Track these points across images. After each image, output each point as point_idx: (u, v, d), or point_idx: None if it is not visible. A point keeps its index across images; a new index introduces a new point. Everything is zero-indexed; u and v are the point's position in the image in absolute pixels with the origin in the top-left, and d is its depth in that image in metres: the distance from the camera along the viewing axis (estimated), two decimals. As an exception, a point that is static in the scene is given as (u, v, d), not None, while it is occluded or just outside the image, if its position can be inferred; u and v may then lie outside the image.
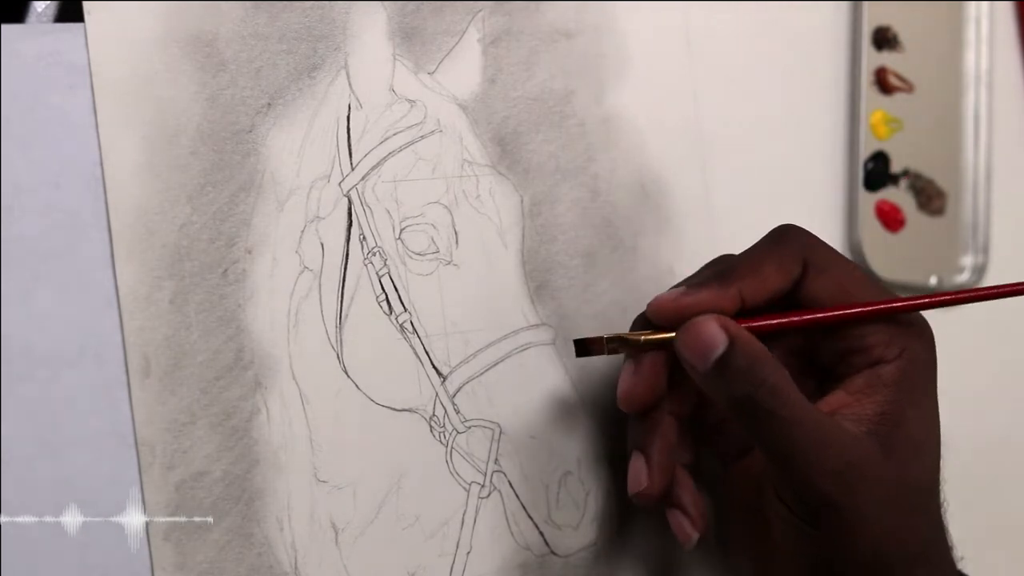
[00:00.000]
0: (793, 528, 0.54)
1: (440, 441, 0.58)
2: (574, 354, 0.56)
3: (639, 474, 0.56)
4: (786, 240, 0.56)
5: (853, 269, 0.56)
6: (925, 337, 0.56)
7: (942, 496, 0.56)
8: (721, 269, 0.55)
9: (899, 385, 0.54)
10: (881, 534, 0.52)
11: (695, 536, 0.57)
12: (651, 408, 0.56)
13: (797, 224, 0.56)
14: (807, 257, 0.55)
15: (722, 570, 0.62)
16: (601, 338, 0.55)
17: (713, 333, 0.53)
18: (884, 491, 0.52)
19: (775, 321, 0.55)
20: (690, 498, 0.58)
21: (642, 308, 0.56)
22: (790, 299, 0.55)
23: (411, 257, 0.58)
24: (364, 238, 0.57)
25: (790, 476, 0.53)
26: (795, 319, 0.55)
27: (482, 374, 0.59)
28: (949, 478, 0.58)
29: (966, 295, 0.60)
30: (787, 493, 0.53)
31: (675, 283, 0.56)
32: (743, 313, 0.54)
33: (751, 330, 0.54)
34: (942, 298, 0.57)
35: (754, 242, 0.57)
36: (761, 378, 0.52)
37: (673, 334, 0.54)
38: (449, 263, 0.59)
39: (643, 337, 0.55)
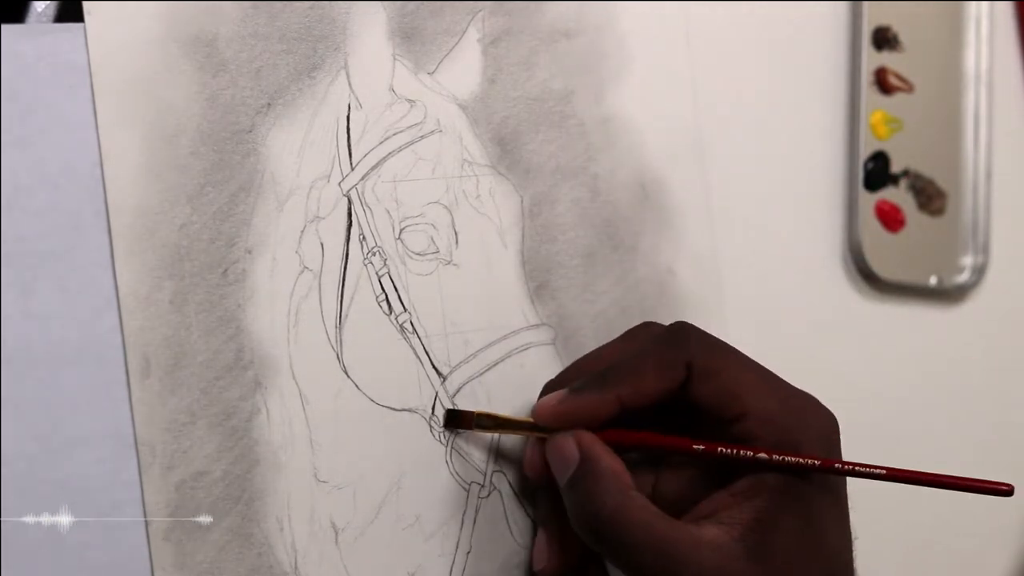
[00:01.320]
0: None
1: (440, 441, 0.58)
2: (443, 423, 0.57)
3: (541, 551, 0.57)
4: (673, 342, 0.55)
5: (742, 371, 0.54)
6: (824, 441, 0.54)
7: None
8: (601, 372, 0.55)
9: (782, 492, 0.53)
10: None
11: None
12: (550, 489, 0.56)
13: (690, 324, 0.55)
14: (693, 362, 0.54)
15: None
16: (472, 413, 0.56)
17: (568, 452, 0.53)
18: None
19: (638, 436, 0.54)
20: None
21: (642, 308, 0.56)
22: (680, 400, 0.54)
23: (411, 257, 0.58)
24: (364, 238, 0.57)
25: None
26: (661, 442, 0.54)
27: (482, 374, 0.59)
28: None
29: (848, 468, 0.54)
30: None
31: (609, 341, 0.57)
32: (626, 417, 0.54)
33: (616, 443, 0.54)
34: (812, 462, 0.53)
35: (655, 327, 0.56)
36: (602, 500, 0.52)
37: (530, 424, 0.55)
38: (449, 263, 0.59)
39: (509, 419, 0.56)
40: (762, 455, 0.53)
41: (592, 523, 0.52)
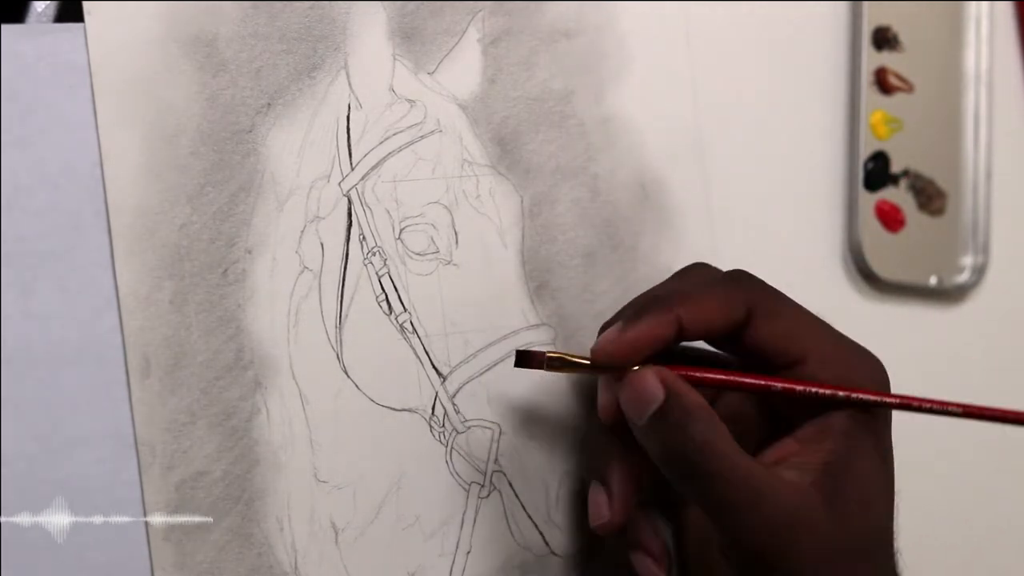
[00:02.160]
0: None
1: (440, 441, 0.58)
2: (514, 363, 0.55)
3: (600, 506, 0.55)
4: (735, 283, 0.55)
5: (802, 315, 0.55)
6: (881, 383, 0.55)
7: (896, 547, 0.55)
8: (658, 295, 0.54)
9: (848, 435, 0.53)
10: None
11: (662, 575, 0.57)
12: (607, 443, 0.55)
13: (749, 272, 0.55)
14: (753, 303, 0.54)
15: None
16: (542, 353, 0.54)
17: (651, 386, 0.52)
18: (825, 544, 0.51)
19: (719, 377, 0.54)
20: (651, 538, 0.57)
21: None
22: (736, 343, 0.54)
23: (411, 257, 0.58)
24: (364, 238, 0.57)
25: (724, 533, 0.52)
26: (740, 380, 0.54)
27: (482, 374, 0.59)
28: (948, 477, 0.58)
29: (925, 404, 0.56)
30: (726, 549, 0.53)
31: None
32: (685, 359, 0.54)
33: (694, 380, 0.53)
34: (890, 400, 0.54)
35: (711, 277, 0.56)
36: (691, 434, 0.51)
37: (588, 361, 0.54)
38: (449, 263, 0.59)
39: (578, 360, 0.54)
40: (840, 393, 0.53)
41: (682, 456, 0.51)
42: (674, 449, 0.52)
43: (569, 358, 0.54)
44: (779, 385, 0.53)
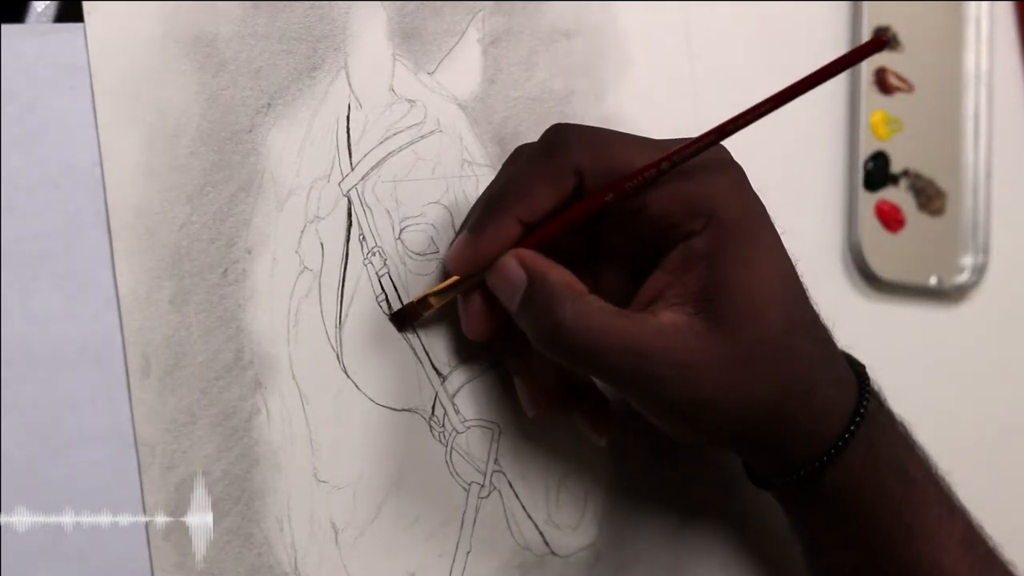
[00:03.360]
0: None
1: (440, 441, 0.58)
2: (397, 328, 0.56)
3: (526, 398, 0.56)
4: (552, 151, 0.53)
5: (634, 155, 0.53)
6: (734, 191, 0.53)
7: (825, 326, 0.54)
8: (490, 201, 0.54)
9: (714, 255, 0.52)
10: (739, 401, 0.51)
11: (602, 441, 0.58)
12: (507, 341, 0.55)
13: (569, 125, 0.54)
14: (581, 167, 0.53)
15: (723, 570, 0.62)
16: (412, 303, 0.56)
17: (514, 273, 0.52)
18: (725, 365, 0.51)
19: (556, 224, 0.53)
20: (586, 405, 0.57)
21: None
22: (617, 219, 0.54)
23: (411, 257, 0.58)
24: (364, 238, 0.57)
25: (628, 398, 0.53)
26: (572, 213, 0.53)
27: (482, 374, 0.59)
28: (947, 474, 0.58)
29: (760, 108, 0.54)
30: (637, 408, 0.53)
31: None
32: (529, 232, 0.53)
33: (536, 242, 0.53)
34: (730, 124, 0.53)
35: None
36: (559, 317, 0.51)
37: (457, 281, 0.54)
38: (449, 263, 0.59)
39: (445, 285, 0.55)
40: (652, 169, 0.51)
41: (554, 337, 0.51)
42: (547, 333, 0.51)
43: (436, 288, 0.55)
44: (610, 196, 0.52)
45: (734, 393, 0.51)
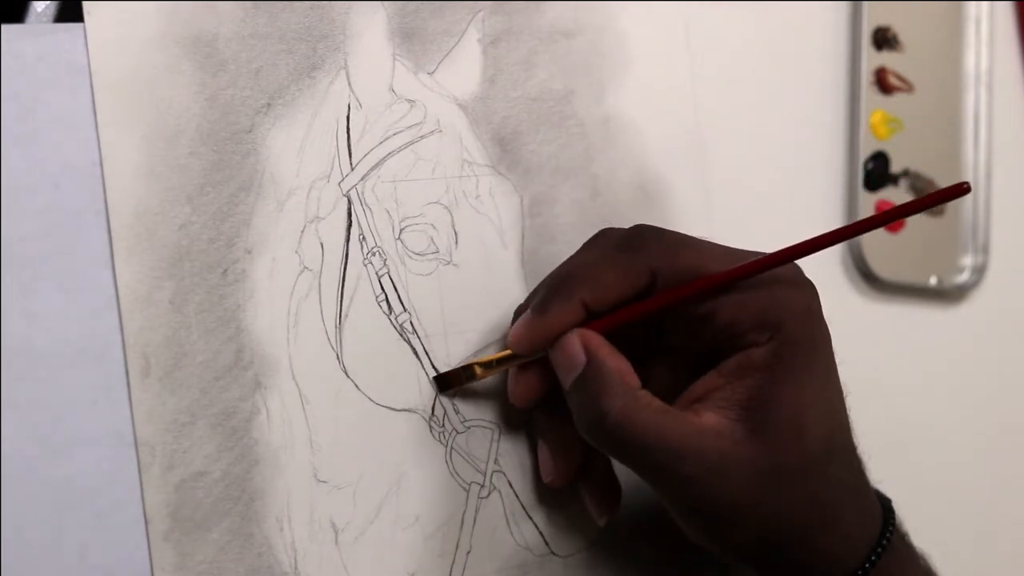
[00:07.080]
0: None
1: (440, 441, 0.58)
2: (437, 390, 0.57)
3: (546, 463, 0.57)
4: (632, 247, 0.54)
5: (709, 264, 0.53)
6: (803, 313, 0.53)
7: (860, 455, 0.55)
8: (560, 282, 0.54)
9: (772, 368, 0.52)
10: (764, 517, 0.52)
11: (601, 520, 0.58)
12: (543, 403, 0.56)
13: (651, 226, 0.55)
14: (656, 266, 0.53)
15: (724, 569, 0.62)
16: (459, 370, 0.57)
17: (574, 353, 0.53)
18: (758, 474, 0.51)
19: (625, 313, 0.54)
20: (598, 482, 0.58)
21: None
22: (683, 323, 0.54)
23: (411, 257, 0.58)
24: (364, 238, 0.57)
25: (658, 494, 0.53)
26: (646, 306, 0.53)
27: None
28: (947, 475, 0.58)
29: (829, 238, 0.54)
30: (664, 504, 0.53)
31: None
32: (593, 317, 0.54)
33: (603, 327, 0.53)
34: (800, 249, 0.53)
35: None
36: (605, 408, 0.51)
37: (512, 355, 0.55)
38: (449, 263, 0.59)
39: (499, 357, 0.56)
40: (725, 280, 0.52)
41: (598, 425, 0.52)
42: (592, 420, 0.52)
43: (487, 359, 0.56)
44: (676, 297, 0.53)
45: (760, 507, 0.52)
